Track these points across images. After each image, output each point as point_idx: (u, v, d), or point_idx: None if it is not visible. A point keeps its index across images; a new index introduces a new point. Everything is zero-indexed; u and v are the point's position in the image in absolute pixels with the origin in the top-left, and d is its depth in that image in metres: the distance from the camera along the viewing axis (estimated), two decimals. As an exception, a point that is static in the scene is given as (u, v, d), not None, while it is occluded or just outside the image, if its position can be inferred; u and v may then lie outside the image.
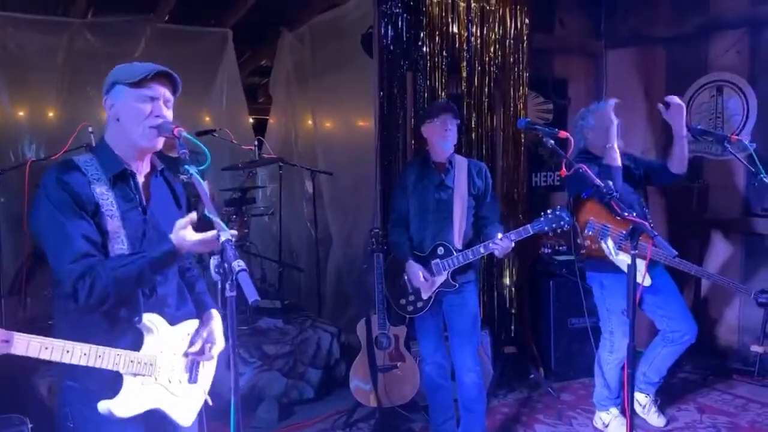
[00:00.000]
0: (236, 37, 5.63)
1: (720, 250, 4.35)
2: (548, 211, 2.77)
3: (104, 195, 1.66)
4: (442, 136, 2.94)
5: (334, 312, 4.91)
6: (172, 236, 1.61)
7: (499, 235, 2.79)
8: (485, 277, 4.12)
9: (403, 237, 3.04)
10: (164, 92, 1.73)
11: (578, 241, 3.06)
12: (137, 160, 1.76)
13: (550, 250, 4.41)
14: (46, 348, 1.50)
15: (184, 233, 1.60)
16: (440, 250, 2.95)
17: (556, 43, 4.73)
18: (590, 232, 2.92)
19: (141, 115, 1.69)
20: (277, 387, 3.69)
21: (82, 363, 1.56)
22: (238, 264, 1.43)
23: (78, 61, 5.02)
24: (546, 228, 2.77)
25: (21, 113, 5.13)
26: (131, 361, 1.64)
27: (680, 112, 2.99)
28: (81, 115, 5.02)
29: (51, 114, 5.24)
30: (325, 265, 5.07)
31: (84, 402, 1.64)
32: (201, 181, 1.61)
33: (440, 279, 2.94)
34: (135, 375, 1.66)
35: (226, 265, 1.46)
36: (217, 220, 1.54)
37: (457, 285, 2.95)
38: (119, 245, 1.66)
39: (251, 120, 6.67)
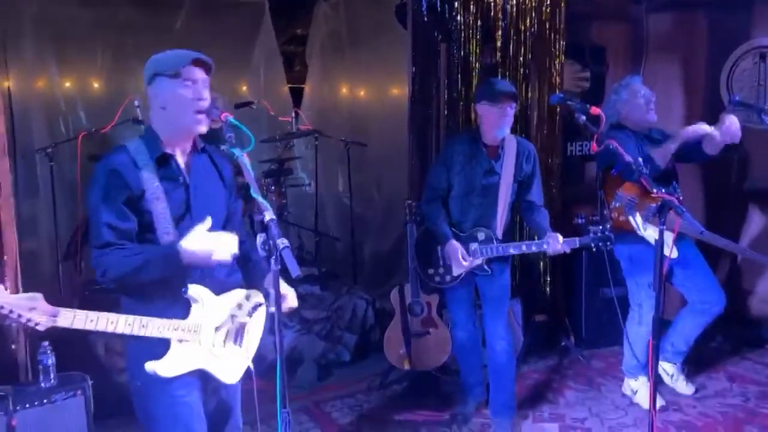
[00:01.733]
0: (272, 7, 5.68)
1: (758, 221, 4.29)
2: (598, 229, 2.80)
3: (151, 179, 1.81)
4: (498, 124, 2.82)
5: (368, 279, 5.07)
6: (182, 241, 1.77)
7: (560, 238, 2.79)
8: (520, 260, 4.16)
9: (442, 213, 3.01)
10: (201, 75, 1.86)
11: (605, 212, 3.09)
12: (182, 142, 1.91)
13: (583, 221, 4.41)
14: (91, 320, 1.68)
15: (190, 241, 1.76)
16: (480, 235, 2.95)
17: (594, 9, 4.62)
18: (617, 204, 2.94)
19: (185, 101, 1.83)
20: (316, 350, 3.89)
21: (126, 332, 1.73)
22: (282, 242, 1.57)
23: (121, 33, 5.17)
24: (592, 244, 2.81)
25: (68, 84, 5.34)
26: (175, 329, 1.81)
27: (730, 132, 2.91)
28: (125, 86, 5.23)
29: (96, 85, 5.43)
30: (360, 233, 5.20)
31: (146, 360, 1.82)
32: (246, 163, 1.74)
33: (475, 262, 2.94)
34: (180, 341, 1.83)
35: (271, 242, 1.60)
36: (261, 200, 1.66)
37: (490, 271, 2.97)
38: (165, 224, 1.81)
39: (287, 88, 6.77)
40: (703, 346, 3.90)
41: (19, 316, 1.59)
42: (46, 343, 2.56)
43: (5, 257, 2.71)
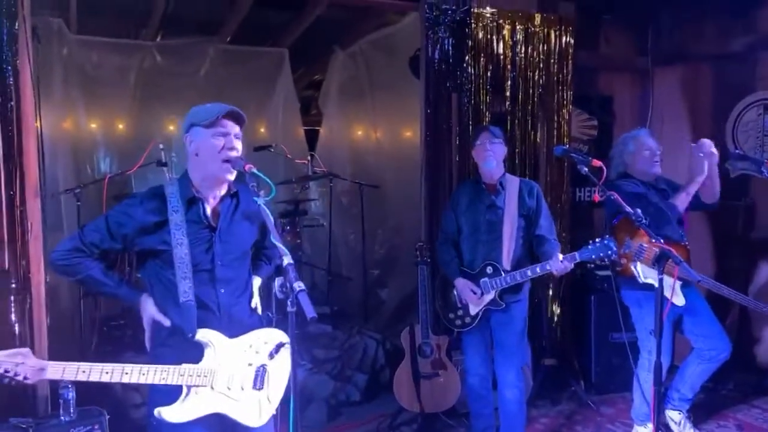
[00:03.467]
0: (292, 55, 5.95)
1: (765, 270, 4.32)
2: (596, 240, 2.85)
3: (179, 224, 1.95)
4: (484, 158, 3.08)
5: (379, 319, 5.13)
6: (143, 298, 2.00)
7: (560, 256, 2.88)
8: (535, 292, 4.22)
9: (452, 255, 3.18)
10: (233, 127, 2.02)
11: (614, 258, 3.15)
12: (214, 188, 2.05)
13: (592, 265, 4.48)
14: (83, 372, 1.74)
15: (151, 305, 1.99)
16: (489, 270, 3.07)
17: (601, 61, 4.80)
18: (627, 251, 3.02)
19: (216, 149, 1.98)
20: (326, 389, 3.93)
21: (125, 380, 1.81)
22: (299, 285, 1.67)
23: (148, 79, 5.44)
24: (593, 256, 2.86)
25: (94, 126, 5.58)
26: (181, 375, 1.89)
27: (711, 157, 3.03)
28: (150, 130, 5.48)
29: (121, 127, 5.68)
30: (371, 274, 5.29)
31: (160, 402, 1.90)
32: (267, 211, 1.87)
33: (488, 297, 3.06)
34: (190, 386, 1.90)
35: (288, 285, 1.70)
36: (280, 246, 1.78)
37: (505, 304, 3.07)
38: (184, 270, 1.93)
39: (303, 131, 7.00)
40: (711, 393, 3.90)
41: (6, 371, 1.65)
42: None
43: (33, 292, 2.83)
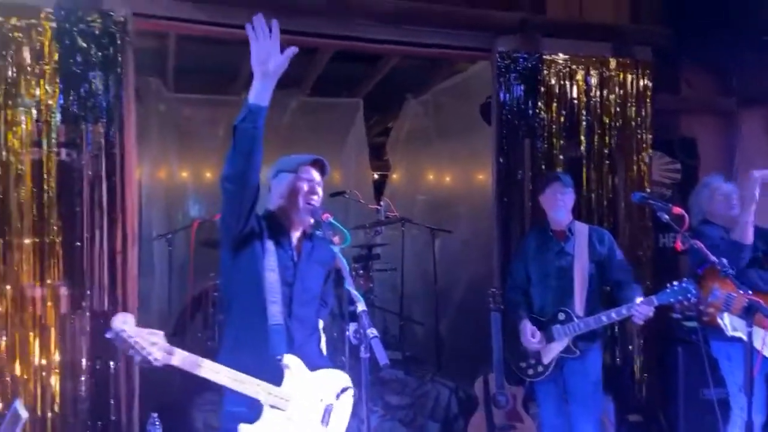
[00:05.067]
0: (366, 104, 6.19)
1: None
2: (674, 283, 2.75)
3: (270, 251, 2.07)
4: (554, 206, 3.08)
5: (452, 366, 5.05)
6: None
7: (638, 299, 2.81)
8: (610, 339, 4.06)
9: (519, 301, 3.16)
10: (316, 175, 2.17)
11: (701, 308, 3.00)
12: (294, 229, 2.19)
13: (679, 315, 4.25)
14: (198, 365, 1.88)
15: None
16: (561, 316, 3.02)
17: (682, 103, 4.67)
18: (714, 300, 2.86)
19: (299, 194, 2.12)
20: (398, 437, 3.90)
21: (226, 383, 1.91)
22: (372, 332, 1.73)
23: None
24: (672, 300, 2.76)
25: (185, 174, 6.00)
26: (269, 393, 1.97)
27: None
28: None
29: (209, 175, 6.07)
30: (444, 319, 5.25)
31: (234, 424, 1.98)
32: (342, 258, 1.95)
33: (560, 345, 2.99)
34: (272, 407, 1.97)
35: (362, 331, 1.76)
36: (354, 292, 1.85)
37: (579, 352, 2.99)
38: (273, 293, 2.04)
39: (377, 176, 7.20)
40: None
41: (142, 348, 1.79)
42: (155, 415, 2.80)
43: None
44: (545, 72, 4.08)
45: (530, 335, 3.00)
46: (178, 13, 3.42)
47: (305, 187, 2.12)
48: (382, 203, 5.15)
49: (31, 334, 2.97)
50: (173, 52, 4.81)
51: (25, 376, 2.96)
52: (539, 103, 4.07)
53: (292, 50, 1.87)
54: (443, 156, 5.96)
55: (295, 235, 2.19)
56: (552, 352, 3.01)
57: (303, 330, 2.13)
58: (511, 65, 4.04)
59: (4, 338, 2.94)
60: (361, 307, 1.80)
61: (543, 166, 4.06)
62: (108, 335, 1.80)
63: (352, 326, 1.81)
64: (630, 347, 4.12)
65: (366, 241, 5.22)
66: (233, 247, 2.06)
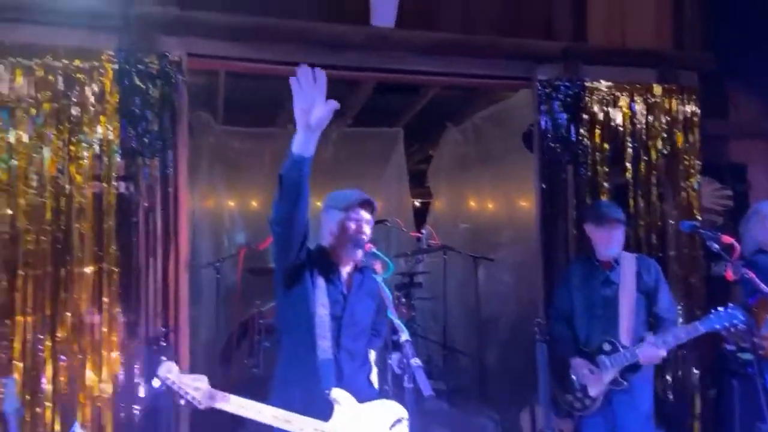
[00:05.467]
0: (406, 132, 6.27)
1: None
2: (720, 309, 2.68)
3: (322, 286, 2.12)
4: (607, 244, 3.02)
5: (496, 396, 4.96)
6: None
7: (650, 338, 2.77)
8: (662, 372, 3.93)
9: (566, 332, 3.12)
10: (364, 214, 2.23)
11: (755, 339, 2.88)
12: (343, 264, 2.24)
13: (733, 347, 4.07)
14: (242, 407, 1.93)
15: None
16: (606, 347, 2.96)
17: (731, 128, 4.57)
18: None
19: (347, 232, 2.19)
20: (443, 469, 3.84)
21: (272, 423, 1.94)
22: (415, 361, 1.75)
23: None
24: (717, 326, 2.68)
25: (232, 203, 6.18)
26: (315, 429, 1.99)
27: None
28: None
29: (255, 204, 6.24)
30: (488, 349, 5.18)
31: None
32: (385, 287, 1.99)
33: (608, 377, 2.92)
34: None
35: (405, 360, 1.78)
36: (397, 321, 1.88)
37: (627, 383, 2.92)
38: (323, 329, 2.08)
39: (418, 203, 7.23)
40: None
41: (186, 393, 1.90)
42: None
43: (179, 360, 3.14)
44: (588, 99, 4.07)
45: (588, 372, 2.94)
46: (228, 51, 3.60)
47: (353, 226, 2.19)
48: (423, 231, 5.17)
49: (89, 359, 3.10)
50: (222, 87, 5.02)
51: (82, 401, 3.08)
52: (582, 130, 4.06)
53: (334, 105, 1.93)
54: (485, 183, 5.97)
55: (346, 269, 2.25)
56: (599, 384, 2.93)
57: (352, 363, 2.16)
58: (553, 93, 4.05)
59: (64, 363, 3.08)
60: (404, 336, 1.83)
61: (587, 194, 4.02)
62: (154, 383, 1.90)
63: (395, 356, 1.85)
64: (683, 379, 3.97)
65: (408, 269, 5.23)
66: (285, 283, 2.14)
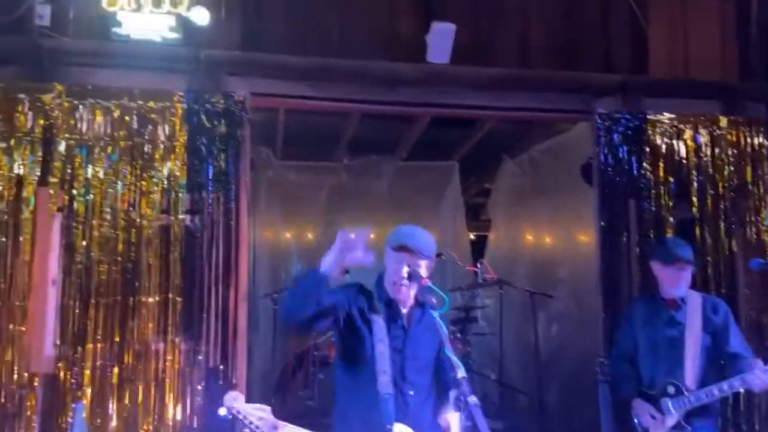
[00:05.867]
0: (462, 166, 6.28)
1: None
2: None
3: (379, 321, 2.14)
4: (674, 284, 2.92)
5: (556, 438, 4.78)
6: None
7: (760, 363, 2.62)
8: (732, 418, 3.70)
9: (628, 373, 3.00)
10: (415, 260, 2.18)
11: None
12: (403, 298, 2.25)
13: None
14: None
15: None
16: (670, 389, 2.83)
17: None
18: None
19: (395, 273, 2.20)
20: None
21: None
22: (473, 399, 1.72)
23: (335, 193, 6.12)
24: None
25: (289, 235, 6.33)
26: None
27: None
28: (335, 239, 6.04)
29: (311, 236, 6.36)
30: (546, 388, 5.01)
31: None
32: (442, 323, 1.98)
33: (671, 421, 2.79)
34: None
35: (462, 398, 1.76)
36: (454, 358, 1.85)
37: (691, 429, 2.77)
38: (383, 364, 2.09)
39: (473, 236, 7.17)
40: None
41: (250, 422, 1.94)
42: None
43: (236, 386, 3.21)
44: (650, 132, 3.98)
45: (650, 416, 2.82)
46: (289, 90, 3.75)
47: (400, 267, 2.17)
48: (479, 265, 5.12)
49: (153, 385, 3.21)
50: (282, 123, 5.21)
51: (145, 427, 3.18)
52: (644, 164, 3.96)
53: (371, 260, 2.05)
54: (543, 217, 5.87)
55: (406, 302, 2.25)
56: (661, 429, 2.81)
57: (416, 397, 2.15)
58: (613, 126, 3.98)
59: (130, 389, 3.20)
60: (461, 373, 1.80)
61: (651, 229, 3.89)
62: (221, 412, 1.96)
63: (452, 393, 1.81)
64: (752, 423, 3.71)
65: (463, 303, 5.18)
66: (336, 324, 2.18)
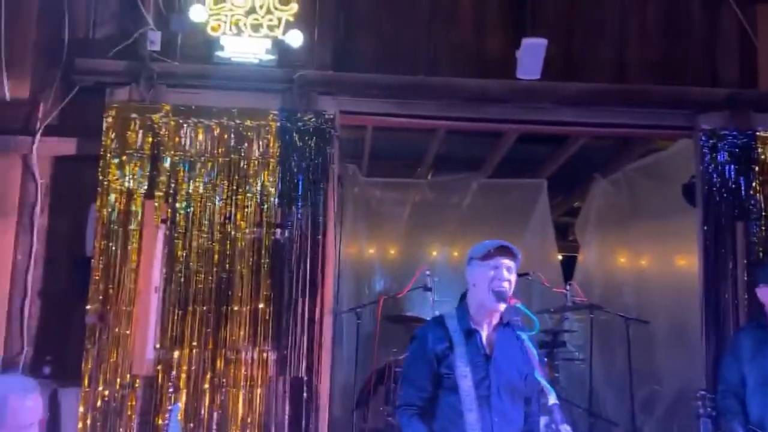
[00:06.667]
0: (550, 183, 6.08)
1: None
2: None
3: (461, 356, 2.09)
4: None
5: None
6: None
7: None
8: None
9: (736, 410, 2.78)
10: (505, 261, 2.18)
11: None
12: (488, 317, 2.20)
13: None
14: None
15: None
16: None
17: None
18: None
19: (487, 280, 2.14)
20: None
21: None
22: (566, 428, 1.64)
23: (418, 210, 6.12)
24: None
25: (372, 251, 6.39)
26: None
27: None
28: (417, 255, 6.05)
29: (393, 252, 6.38)
30: (642, 420, 4.71)
31: None
32: (531, 345, 1.91)
33: None
34: None
35: (554, 426, 1.68)
36: (545, 383, 1.78)
37: None
38: (469, 402, 2.04)
39: (560, 257, 6.90)
40: None
41: None
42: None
43: (320, 401, 3.26)
44: (759, 149, 3.69)
45: None
46: (377, 108, 3.83)
47: (492, 273, 2.14)
48: (568, 287, 4.92)
49: (242, 393, 3.33)
50: (369, 140, 5.30)
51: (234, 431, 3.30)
52: (753, 183, 3.67)
53: None
54: (638, 239, 5.56)
55: (489, 326, 2.19)
56: None
57: (506, 423, 2.08)
58: (718, 143, 3.74)
59: (220, 395, 3.34)
60: (552, 399, 1.73)
61: (760, 253, 3.59)
62: None
63: (542, 420, 1.74)
64: None
65: (551, 326, 4.98)
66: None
